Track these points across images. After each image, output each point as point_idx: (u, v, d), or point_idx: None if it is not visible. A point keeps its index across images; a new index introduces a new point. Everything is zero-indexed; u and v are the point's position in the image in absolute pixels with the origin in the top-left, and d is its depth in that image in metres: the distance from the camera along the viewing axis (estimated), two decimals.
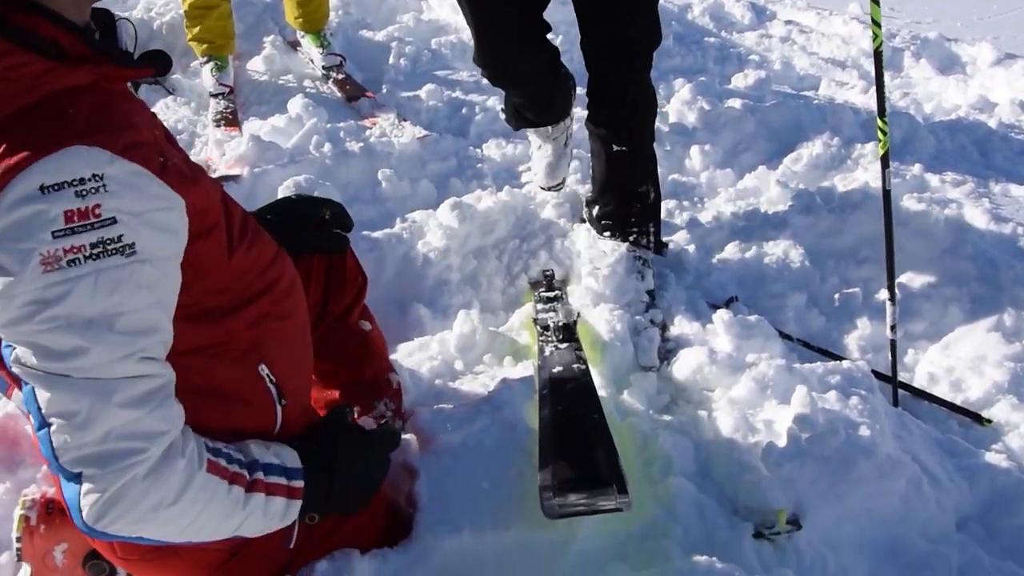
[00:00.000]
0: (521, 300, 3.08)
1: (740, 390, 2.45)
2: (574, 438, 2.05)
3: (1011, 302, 2.73)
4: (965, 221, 3.15)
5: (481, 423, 2.14)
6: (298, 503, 1.34)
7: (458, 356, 2.64)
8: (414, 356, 2.58)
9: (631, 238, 3.01)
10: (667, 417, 2.43)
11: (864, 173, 3.46)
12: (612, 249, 2.97)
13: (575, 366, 2.41)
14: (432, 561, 1.83)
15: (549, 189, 3.22)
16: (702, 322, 2.79)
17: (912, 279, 3.01)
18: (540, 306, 2.86)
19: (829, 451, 2.11)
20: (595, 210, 3.10)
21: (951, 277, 2.91)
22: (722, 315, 2.72)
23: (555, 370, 2.40)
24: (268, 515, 1.29)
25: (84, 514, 1.10)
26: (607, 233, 3.04)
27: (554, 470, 1.91)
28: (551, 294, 2.95)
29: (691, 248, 3.21)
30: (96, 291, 1.02)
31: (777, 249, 3.17)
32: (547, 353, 2.51)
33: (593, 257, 2.98)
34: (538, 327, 2.69)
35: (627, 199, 3.01)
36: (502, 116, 3.22)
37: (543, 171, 3.18)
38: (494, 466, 2.04)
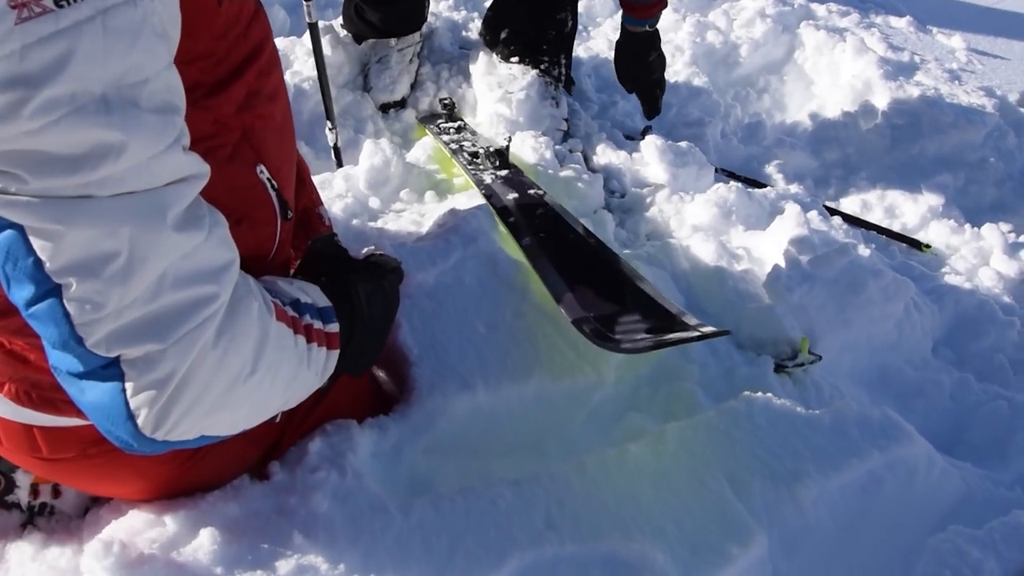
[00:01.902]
0: (410, 136, 2.56)
1: (701, 217, 2.16)
2: (581, 265, 1.63)
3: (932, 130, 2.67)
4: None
5: (455, 257, 1.65)
6: (336, 354, 1.03)
7: (371, 192, 2.14)
8: (327, 199, 2.04)
9: (542, 67, 2.56)
10: (630, 250, 2.06)
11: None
12: (522, 73, 2.51)
13: (531, 191, 1.97)
14: (439, 426, 1.37)
15: (384, 108, 2.64)
16: (628, 151, 2.48)
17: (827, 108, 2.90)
18: (447, 137, 2.36)
19: (836, 272, 1.87)
20: (502, 33, 2.58)
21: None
22: (653, 141, 2.41)
23: (510, 197, 1.94)
24: (314, 373, 1.01)
25: (140, 421, 0.77)
26: (515, 59, 2.56)
27: (583, 300, 1.48)
28: (455, 124, 2.46)
29: (591, 79, 2.87)
30: (109, 46, 0.66)
31: (678, 77, 2.90)
32: (488, 181, 2.04)
33: (501, 81, 2.50)
34: (462, 156, 2.20)
35: (542, 24, 2.56)
36: (337, 22, 2.68)
37: (378, 84, 2.62)
38: (485, 307, 1.58)
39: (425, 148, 2.38)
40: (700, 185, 2.38)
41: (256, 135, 1.02)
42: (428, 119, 2.57)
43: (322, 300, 1.05)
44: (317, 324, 1.00)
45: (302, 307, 0.99)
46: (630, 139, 2.60)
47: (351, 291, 1.13)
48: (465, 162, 2.20)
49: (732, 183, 2.33)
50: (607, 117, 2.73)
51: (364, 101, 2.62)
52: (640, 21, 2.41)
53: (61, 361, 0.74)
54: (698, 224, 2.16)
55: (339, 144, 2.21)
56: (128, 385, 0.75)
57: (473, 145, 2.30)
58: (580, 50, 3.01)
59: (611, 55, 2.99)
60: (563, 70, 2.62)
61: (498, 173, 2.10)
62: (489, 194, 1.98)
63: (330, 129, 2.17)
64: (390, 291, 1.22)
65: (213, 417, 0.83)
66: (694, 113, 2.75)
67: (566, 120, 2.53)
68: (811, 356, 1.76)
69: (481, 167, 2.15)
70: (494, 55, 2.61)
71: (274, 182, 1.04)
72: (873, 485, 1.39)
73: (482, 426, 1.44)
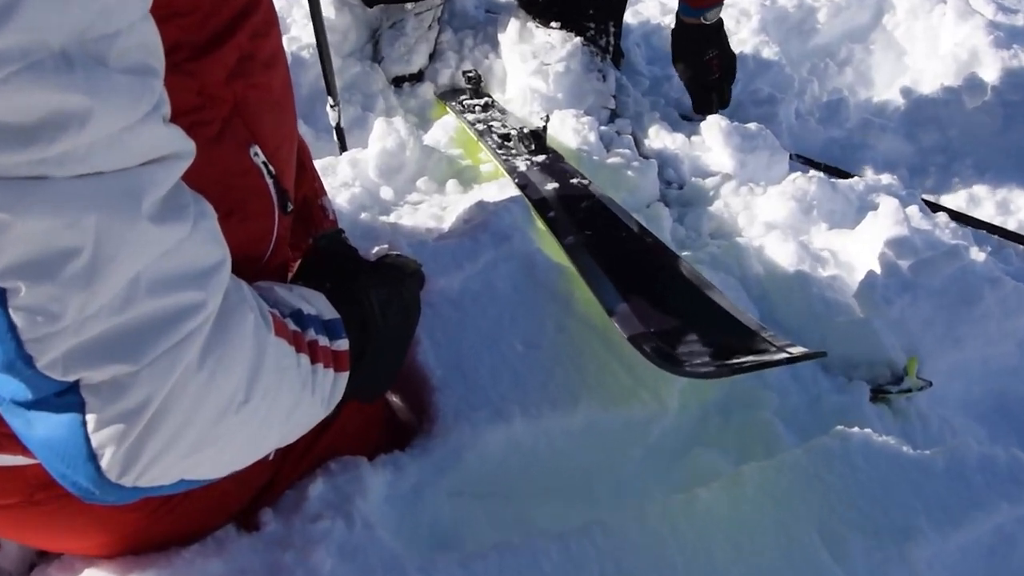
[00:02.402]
0: (428, 114, 2.51)
1: (776, 212, 2.09)
2: (636, 268, 1.56)
3: None
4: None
5: (484, 259, 1.59)
6: (345, 376, 0.99)
7: (382, 181, 2.09)
8: (332, 188, 2.00)
9: (587, 34, 2.50)
10: (690, 252, 1.99)
11: None
12: (563, 41, 2.45)
13: (574, 181, 1.90)
14: (467, 463, 1.31)
15: (398, 81, 2.60)
16: (685, 133, 2.41)
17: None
18: (472, 116, 2.31)
19: (944, 280, 1.78)
20: None
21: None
22: (716, 122, 2.33)
23: (549, 187, 1.88)
24: (319, 400, 0.97)
25: (104, 462, 0.71)
26: (555, 25, 2.50)
27: (640, 312, 1.41)
28: (481, 101, 2.40)
29: (640, 49, 2.80)
30: None
31: (744, 47, 2.83)
32: (523, 168, 1.98)
33: (537, 50, 2.44)
34: (490, 139, 2.15)
35: None
36: None
37: (391, 54, 2.59)
38: (521, 319, 1.52)
39: (446, 129, 2.32)
40: (773, 174, 2.30)
41: (250, 109, 0.96)
42: (449, 95, 2.51)
43: (328, 311, 0.98)
44: (323, 340, 0.93)
45: (305, 320, 0.93)
46: (687, 120, 2.54)
47: (362, 299, 1.06)
48: (494, 146, 2.13)
49: (811, 172, 2.24)
50: (660, 93, 2.66)
51: (374, 73, 2.57)
52: (694, 11, 2.36)
53: (4, 386, 0.68)
54: (772, 221, 2.08)
55: (342, 124, 2.16)
56: (90, 417, 0.69)
57: (503, 126, 2.24)
58: (629, 15, 2.93)
59: (665, 20, 2.93)
60: (611, 39, 2.56)
61: (534, 159, 2.03)
62: (524, 184, 1.91)
63: (332, 106, 2.12)
64: (409, 299, 1.16)
65: (196, 456, 0.76)
66: (764, 90, 2.67)
67: (613, 97, 2.46)
68: (920, 381, 1.67)
69: (514, 152, 2.09)
70: (529, 20, 2.55)
71: (271, 167, 0.98)
72: (1003, 544, 1.30)
73: (519, 464, 1.37)
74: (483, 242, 1.61)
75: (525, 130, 2.10)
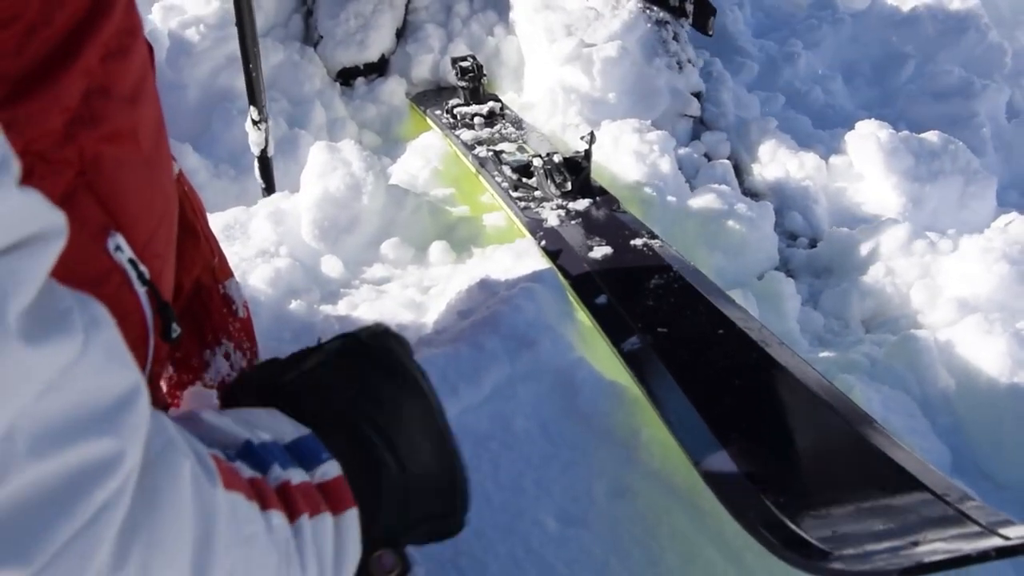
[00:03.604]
0: (396, 131, 2.63)
1: (976, 282, 2.16)
2: (743, 390, 1.65)
3: None
4: None
5: (495, 378, 1.67)
6: (353, 515, 1.00)
7: (323, 245, 2.21)
8: (243, 261, 2.11)
9: None
10: (832, 353, 2.07)
11: None
12: (610, 3, 2.57)
13: (637, 242, 2.00)
14: None
15: (346, 75, 2.81)
16: (821, 151, 2.50)
17: None
18: (470, 133, 2.42)
19: None
20: None
21: None
22: (873, 131, 2.43)
23: (596, 254, 1.97)
24: (319, 568, 1.01)
25: None
26: None
27: (753, 465, 1.49)
28: (483, 107, 2.51)
29: (743, 11, 2.93)
30: None
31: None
32: (554, 222, 2.08)
33: (572, 21, 2.56)
34: (498, 172, 2.24)
35: None
36: None
37: (334, 31, 2.80)
38: (556, 477, 1.59)
39: (427, 156, 2.42)
40: (970, 217, 2.38)
41: (105, 176, 1.01)
42: (431, 98, 2.61)
43: (288, 428, 1.03)
44: (296, 476, 0.98)
45: (260, 453, 0.97)
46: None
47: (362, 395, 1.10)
48: (506, 184, 2.22)
49: None
50: (778, 86, 2.77)
51: (307, 64, 2.69)
52: None
53: None
54: (970, 297, 2.15)
55: (269, 150, 2.26)
56: None
57: (520, 150, 2.34)
58: None
59: None
60: (690, 6, 2.67)
61: (570, 206, 2.12)
62: (555, 248, 2.00)
63: (255, 122, 2.23)
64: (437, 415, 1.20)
65: None
66: (952, 71, 2.77)
67: (698, 96, 2.58)
68: None
69: (538, 194, 2.18)
70: None
71: (142, 267, 1.06)
72: None
73: None
74: (491, 350, 1.69)
75: (556, 157, 2.18)
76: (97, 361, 0.77)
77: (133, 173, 1.08)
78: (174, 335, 1.08)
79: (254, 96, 2.19)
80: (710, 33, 2.75)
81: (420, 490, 1.11)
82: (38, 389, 0.72)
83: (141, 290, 1.04)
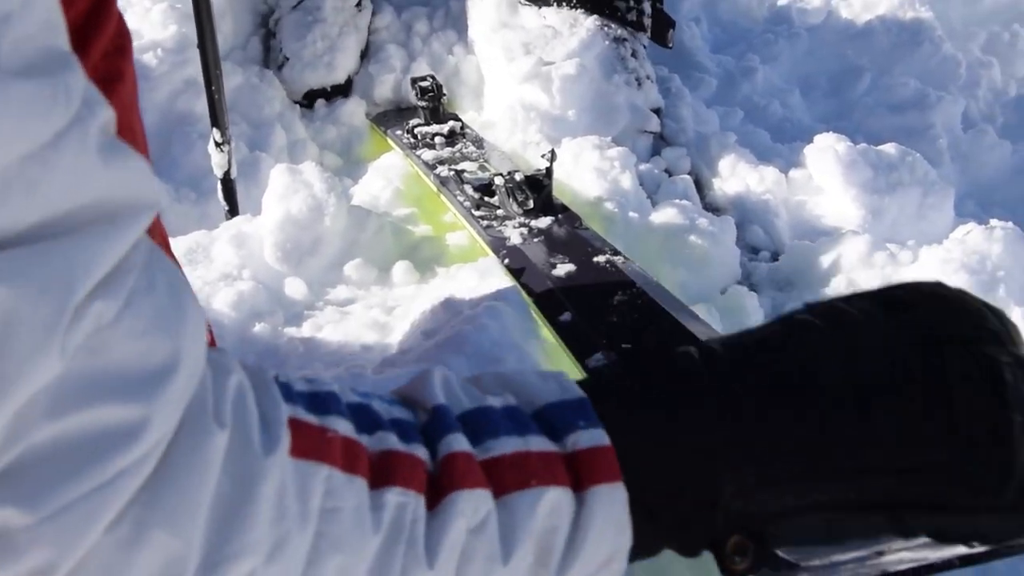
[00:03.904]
0: (357, 152, 2.64)
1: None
2: None
3: None
4: None
5: None
6: (604, 491, 0.90)
7: (287, 270, 2.21)
8: (205, 285, 2.12)
9: (608, 8, 2.64)
10: None
11: None
12: (570, 22, 2.58)
13: (600, 259, 2.01)
14: None
15: (309, 97, 2.83)
16: (780, 165, 2.55)
17: None
18: (431, 153, 2.43)
19: None
20: None
21: None
22: (831, 144, 2.45)
23: (559, 271, 1.97)
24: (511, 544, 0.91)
25: None
26: None
27: None
28: (444, 127, 2.52)
29: (701, 26, 2.95)
30: None
31: (870, 13, 2.97)
32: (516, 241, 2.08)
33: (530, 40, 2.57)
34: (460, 191, 2.25)
35: None
36: None
37: (301, 52, 2.81)
38: None
39: (389, 176, 2.43)
40: (928, 228, 2.39)
41: None
42: (391, 118, 2.63)
43: (553, 390, 0.97)
44: (508, 446, 0.90)
45: (438, 422, 0.89)
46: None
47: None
48: (468, 203, 2.23)
49: (993, 222, 2.33)
50: (736, 100, 2.79)
51: (267, 87, 2.69)
52: None
53: None
54: None
55: (232, 172, 2.27)
56: None
57: (482, 168, 2.35)
58: None
59: None
60: (645, 8, 2.71)
61: (533, 223, 2.13)
62: (518, 266, 2.00)
63: (217, 144, 2.23)
64: None
65: None
66: (908, 83, 2.79)
67: (657, 112, 2.59)
68: None
69: (500, 213, 2.19)
70: None
71: None
72: None
73: None
74: (457, 370, 1.68)
75: (517, 175, 2.18)
76: (138, 327, 0.77)
77: None
78: None
79: (216, 118, 2.20)
80: (670, 45, 2.77)
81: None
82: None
83: None
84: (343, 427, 0.88)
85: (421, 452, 0.89)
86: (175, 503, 0.79)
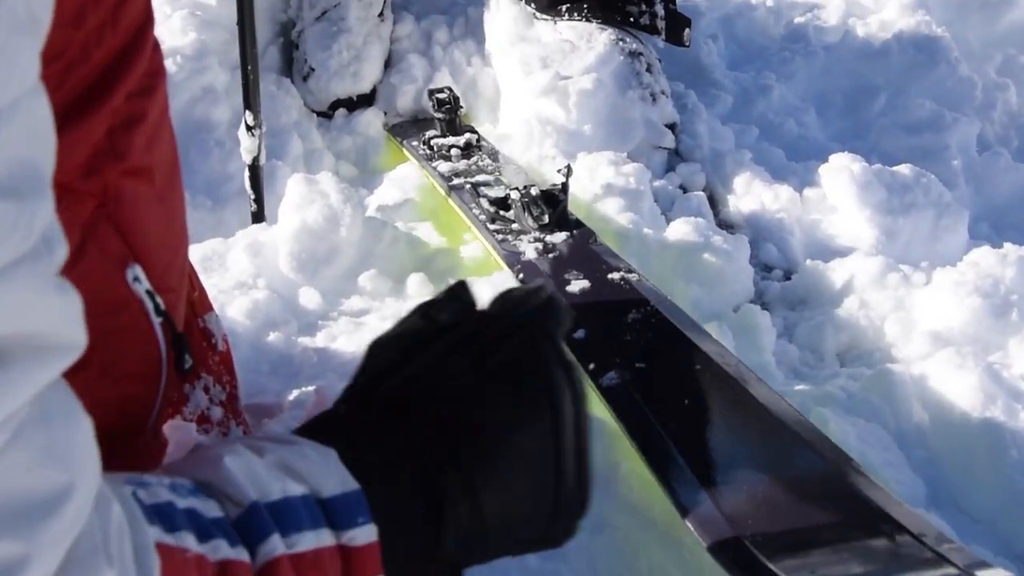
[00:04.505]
0: (373, 163, 2.65)
1: (949, 315, 2.18)
2: (718, 424, 1.66)
3: None
4: None
5: None
6: None
7: (301, 279, 2.21)
8: (220, 293, 2.10)
9: (620, 15, 2.64)
10: (807, 386, 2.08)
11: None
12: (586, 37, 2.58)
13: (615, 276, 2.00)
14: None
15: (334, 107, 2.85)
16: (795, 183, 2.55)
17: None
18: (447, 165, 2.43)
19: None
20: None
21: None
22: (847, 164, 2.45)
23: (574, 287, 1.98)
24: None
25: None
26: (573, 16, 2.67)
27: (728, 501, 1.50)
28: (460, 139, 2.52)
29: (717, 43, 2.94)
30: None
31: (886, 32, 2.97)
32: (531, 255, 2.09)
33: (547, 54, 2.57)
34: (476, 204, 2.25)
35: None
36: None
37: (327, 63, 2.82)
38: None
39: (404, 188, 2.43)
40: (942, 250, 2.39)
41: (124, 209, 1.05)
42: (407, 129, 2.63)
43: (335, 480, 0.98)
44: (308, 542, 0.94)
45: (255, 520, 0.93)
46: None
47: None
48: (484, 217, 2.24)
49: (1007, 245, 2.32)
50: (752, 118, 2.79)
51: (283, 95, 2.70)
52: None
53: None
54: (943, 330, 2.16)
55: (261, 158, 2.27)
56: None
57: (497, 182, 2.35)
58: None
59: None
60: (658, 10, 2.71)
61: (547, 239, 2.13)
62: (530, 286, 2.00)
63: (249, 127, 2.22)
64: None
65: None
66: (923, 104, 2.78)
67: (672, 128, 2.60)
68: None
69: (515, 227, 2.19)
70: (531, 3, 2.71)
71: (159, 299, 1.06)
72: None
73: None
74: None
75: (533, 190, 2.19)
76: (23, 460, 0.73)
77: (150, 207, 1.10)
78: (187, 366, 1.08)
79: (250, 100, 2.19)
80: (686, 44, 2.77)
81: (508, 521, 1.04)
82: None
83: (156, 321, 1.06)
84: (191, 543, 0.88)
85: (245, 556, 0.91)
86: None
